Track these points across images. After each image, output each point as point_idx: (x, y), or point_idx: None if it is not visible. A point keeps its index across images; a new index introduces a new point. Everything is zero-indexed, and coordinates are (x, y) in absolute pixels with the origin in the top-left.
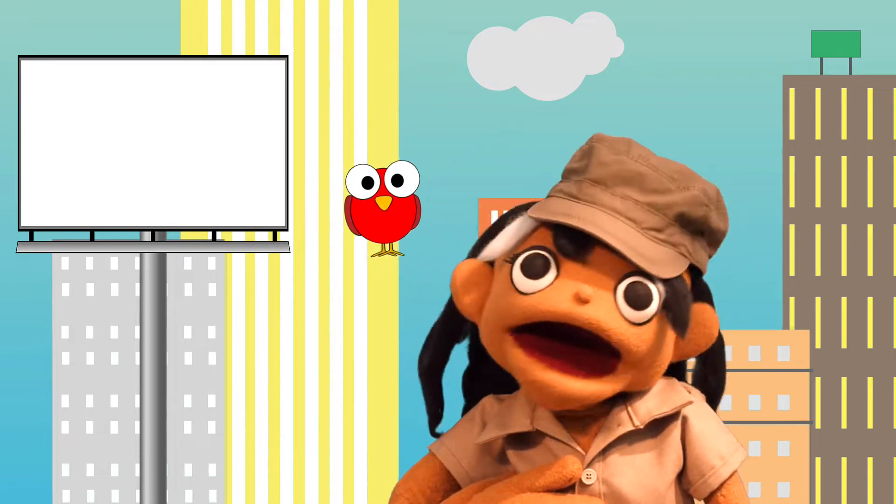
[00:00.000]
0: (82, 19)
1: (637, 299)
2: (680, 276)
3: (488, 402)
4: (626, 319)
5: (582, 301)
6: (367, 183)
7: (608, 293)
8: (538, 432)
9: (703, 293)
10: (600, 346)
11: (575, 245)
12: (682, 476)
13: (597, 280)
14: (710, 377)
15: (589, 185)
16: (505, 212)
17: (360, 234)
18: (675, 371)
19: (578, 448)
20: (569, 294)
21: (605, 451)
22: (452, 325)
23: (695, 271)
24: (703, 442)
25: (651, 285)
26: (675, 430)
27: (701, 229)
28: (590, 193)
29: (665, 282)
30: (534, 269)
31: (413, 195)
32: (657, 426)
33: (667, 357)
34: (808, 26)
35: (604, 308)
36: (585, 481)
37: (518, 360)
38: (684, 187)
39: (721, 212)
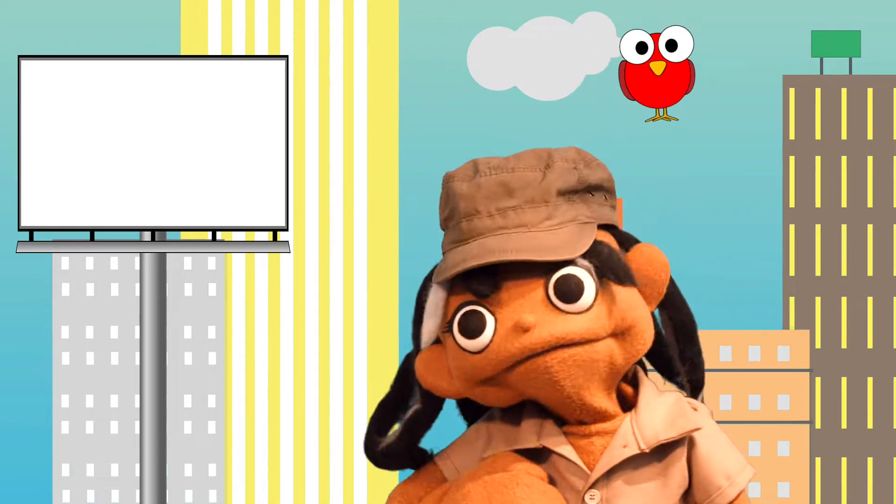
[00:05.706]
0: (82, 19)
1: (568, 293)
2: (596, 242)
3: (494, 415)
4: (571, 313)
5: (525, 330)
6: (642, 48)
7: (544, 304)
8: (545, 448)
9: (628, 239)
10: None
11: (487, 281)
12: (687, 495)
13: (528, 297)
14: (674, 315)
15: (465, 222)
16: (418, 290)
17: (633, 100)
18: (661, 361)
19: (584, 467)
20: (513, 332)
21: (609, 473)
22: (426, 407)
23: (610, 228)
24: (710, 463)
25: (575, 270)
26: (682, 452)
27: (584, 189)
28: (471, 229)
29: (584, 256)
30: (471, 326)
31: (687, 60)
32: (663, 448)
33: (644, 314)
34: (808, 26)
35: (549, 323)
36: (589, 501)
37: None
38: (547, 165)
39: (591, 164)
